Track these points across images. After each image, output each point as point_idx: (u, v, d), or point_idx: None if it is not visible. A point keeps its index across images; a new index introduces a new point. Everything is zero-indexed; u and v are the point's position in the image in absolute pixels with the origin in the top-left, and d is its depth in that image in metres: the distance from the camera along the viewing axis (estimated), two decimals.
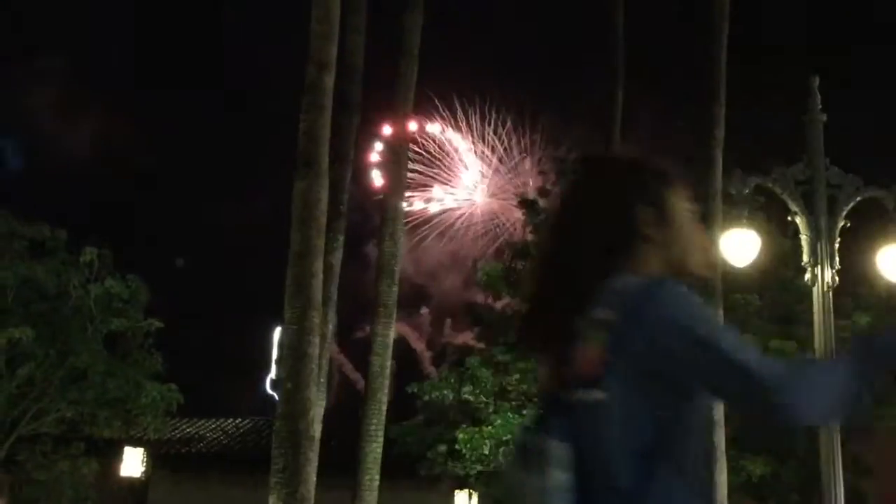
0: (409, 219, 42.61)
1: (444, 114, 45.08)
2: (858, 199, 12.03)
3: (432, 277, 43.14)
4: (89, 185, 35.20)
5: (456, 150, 44.76)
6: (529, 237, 25.84)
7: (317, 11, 13.66)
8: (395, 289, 18.83)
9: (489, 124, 44.29)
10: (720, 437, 15.69)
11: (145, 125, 39.08)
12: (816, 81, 12.30)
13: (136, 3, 37.77)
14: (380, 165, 36.81)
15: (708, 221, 16.21)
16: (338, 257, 16.94)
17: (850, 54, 30.59)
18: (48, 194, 30.72)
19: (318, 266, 13.09)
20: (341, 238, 17.04)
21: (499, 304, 28.02)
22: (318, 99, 13.44)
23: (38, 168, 33.35)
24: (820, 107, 12.22)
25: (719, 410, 15.66)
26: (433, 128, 44.52)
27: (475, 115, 44.83)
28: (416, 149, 42.47)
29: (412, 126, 19.44)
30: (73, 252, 21.77)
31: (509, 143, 44.01)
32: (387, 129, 38.56)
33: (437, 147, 44.63)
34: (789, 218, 12.19)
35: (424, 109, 43.02)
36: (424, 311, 41.56)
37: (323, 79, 13.50)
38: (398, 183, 18.91)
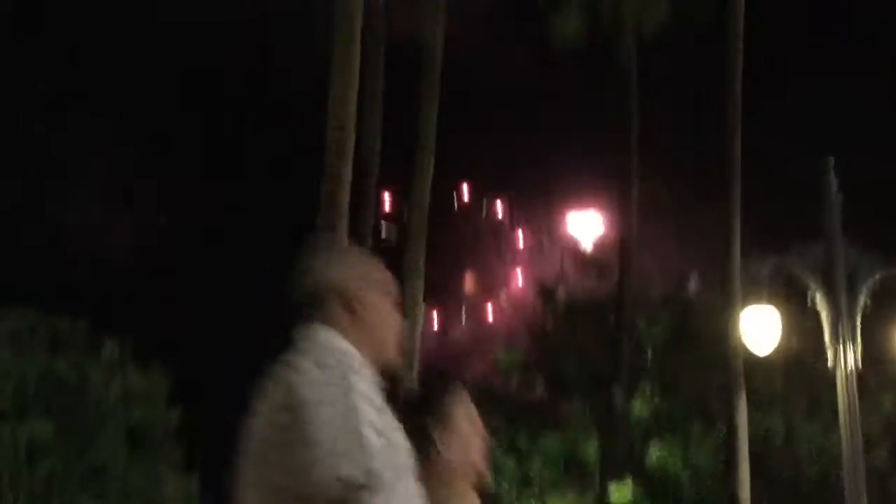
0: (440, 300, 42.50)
1: (475, 199, 45.39)
2: (878, 277, 12.01)
3: (461, 362, 42.86)
4: (111, 273, 35.40)
5: (488, 234, 44.95)
6: (548, 325, 25.82)
7: (333, 106, 13.88)
8: (414, 374, 18.77)
9: (522, 213, 44.53)
10: (745, 494, 15.55)
11: (169, 214, 39.38)
12: (832, 161, 12.36)
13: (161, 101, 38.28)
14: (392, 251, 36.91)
15: (727, 301, 16.19)
16: None
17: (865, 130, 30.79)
18: (71, 284, 30.88)
19: None
20: None
21: (519, 391, 27.91)
22: (336, 191, 13.58)
23: (62, 257, 33.57)
24: (836, 186, 12.27)
25: (744, 472, 15.49)
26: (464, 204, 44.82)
27: (505, 203, 45.14)
28: (447, 232, 42.56)
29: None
30: (94, 344, 21.86)
31: (539, 231, 44.21)
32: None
33: (469, 229, 44.79)
34: (809, 297, 12.16)
35: (449, 190, 43.27)
36: None
37: (340, 171, 13.66)
38: (416, 271, 18.97)
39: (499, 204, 45.94)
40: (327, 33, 14.87)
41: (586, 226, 39.90)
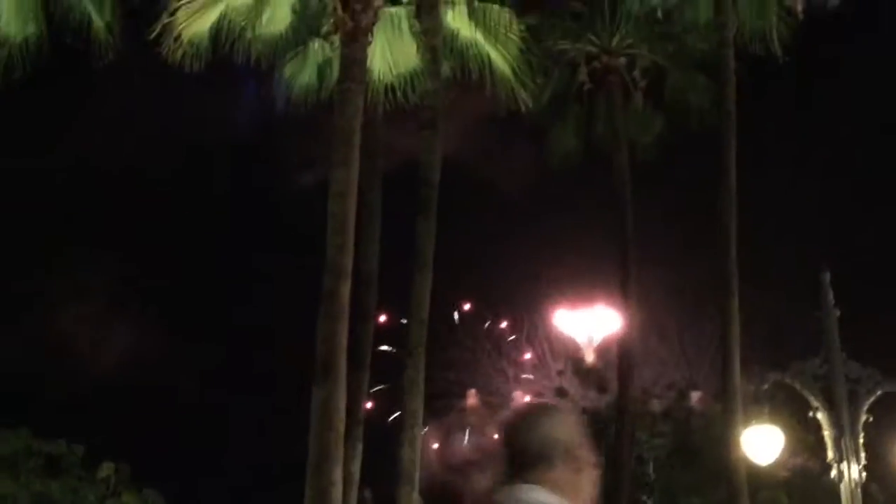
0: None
1: (476, 314, 45.36)
2: (879, 392, 11.96)
3: (464, 478, 42.21)
4: (110, 398, 35.21)
5: (490, 349, 44.83)
6: None
7: (332, 223, 13.96)
8: (416, 496, 18.54)
9: (523, 327, 44.45)
10: None
11: (166, 340, 39.30)
12: (828, 276, 12.40)
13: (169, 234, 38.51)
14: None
15: (728, 418, 16.05)
16: (357, 466, 16.79)
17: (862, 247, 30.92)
18: (67, 408, 30.71)
19: (338, 475, 12.97)
20: (359, 446, 16.93)
21: None
22: (335, 308, 13.58)
23: (60, 382, 33.43)
24: (833, 301, 12.29)
25: None
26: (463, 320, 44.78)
27: (508, 317, 45.08)
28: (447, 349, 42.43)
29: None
30: (89, 467, 21.66)
31: (541, 344, 44.06)
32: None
33: (471, 345, 44.67)
34: (811, 413, 12.10)
35: (449, 306, 43.26)
36: None
37: (339, 288, 13.67)
38: (415, 388, 18.86)
39: (499, 317, 45.91)
40: (327, 146, 15.09)
41: (586, 324, 39.79)
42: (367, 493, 24.02)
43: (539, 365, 43.23)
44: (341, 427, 13.21)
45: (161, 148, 35.81)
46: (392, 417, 25.96)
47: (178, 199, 37.71)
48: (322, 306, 13.69)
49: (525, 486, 3.14)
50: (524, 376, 43.86)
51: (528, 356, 44.20)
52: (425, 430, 21.43)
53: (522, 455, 3.22)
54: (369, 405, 23.50)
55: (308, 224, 19.39)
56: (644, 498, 21.30)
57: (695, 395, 23.98)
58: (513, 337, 44.81)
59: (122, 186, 35.20)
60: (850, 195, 34.48)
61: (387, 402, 36.38)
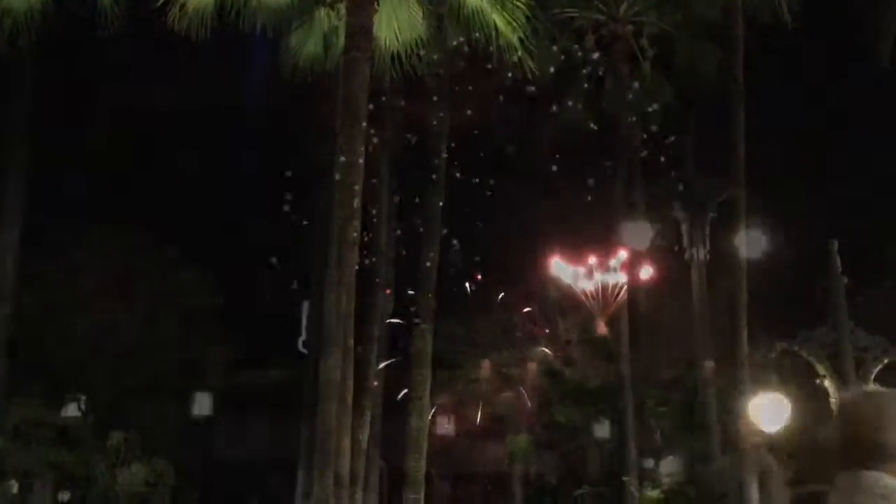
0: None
1: (489, 287, 45.31)
2: (886, 360, 11.97)
3: (475, 448, 42.27)
4: (119, 363, 35.26)
5: (504, 322, 44.80)
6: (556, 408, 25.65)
7: (339, 193, 13.93)
8: (423, 464, 18.66)
9: (534, 300, 44.39)
10: None
11: (175, 306, 39.30)
12: (836, 245, 12.37)
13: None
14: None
15: (736, 387, 16.05)
16: (365, 434, 16.86)
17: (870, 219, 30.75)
18: (78, 377, 30.81)
19: (346, 443, 13.02)
20: (368, 415, 17.01)
21: (533, 475, 27.69)
22: (343, 277, 13.56)
23: (72, 350, 33.50)
24: (840, 270, 12.27)
25: None
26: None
27: (520, 290, 45.03)
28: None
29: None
30: (100, 437, 21.80)
31: (552, 316, 43.99)
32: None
33: (484, 318, 44.65)
34: (818, 381, 12.12)
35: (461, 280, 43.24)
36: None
37: (347, 257, 13.64)
38: (423, 359, 18.92)
39: (512, 289, 45.83)
40: (334, 116, 15.03)
41: (596, 294, 39.66)
42: (382, 464, 24.13)
43: (553, 337, 43.16)
44: (349, 396, 13.23)
45: (162, 120, 35.71)
46: (403, 392, 26.07)
47: (182, 174, 37.65)
48: (329, 275, 13.67)
49: (871, 474, 3.17)
50: (539, 349, 43.80)
51: (539, 327, 44.12)
52: (438, 402, 21.46)
53: (870, 443, 3.22)
54: (385, 379, 23.48)
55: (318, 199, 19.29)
56: (652, 465, 21.37)
57: (708, 365, 23.95)
58: (527, 309, 44.74)
59: (123, 160, 35.17)
60: (861, 162, 34.31)
61: (402, 376, 36.39)
